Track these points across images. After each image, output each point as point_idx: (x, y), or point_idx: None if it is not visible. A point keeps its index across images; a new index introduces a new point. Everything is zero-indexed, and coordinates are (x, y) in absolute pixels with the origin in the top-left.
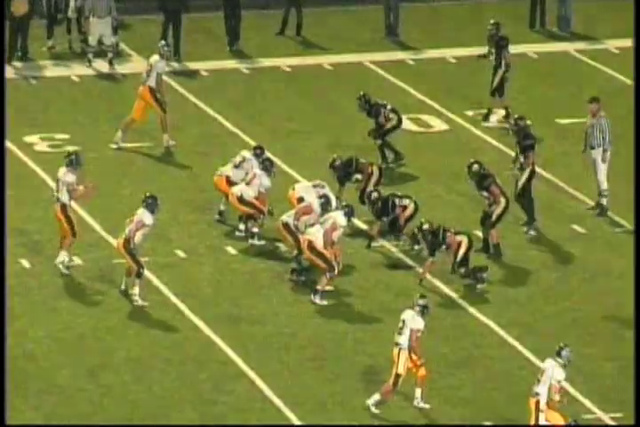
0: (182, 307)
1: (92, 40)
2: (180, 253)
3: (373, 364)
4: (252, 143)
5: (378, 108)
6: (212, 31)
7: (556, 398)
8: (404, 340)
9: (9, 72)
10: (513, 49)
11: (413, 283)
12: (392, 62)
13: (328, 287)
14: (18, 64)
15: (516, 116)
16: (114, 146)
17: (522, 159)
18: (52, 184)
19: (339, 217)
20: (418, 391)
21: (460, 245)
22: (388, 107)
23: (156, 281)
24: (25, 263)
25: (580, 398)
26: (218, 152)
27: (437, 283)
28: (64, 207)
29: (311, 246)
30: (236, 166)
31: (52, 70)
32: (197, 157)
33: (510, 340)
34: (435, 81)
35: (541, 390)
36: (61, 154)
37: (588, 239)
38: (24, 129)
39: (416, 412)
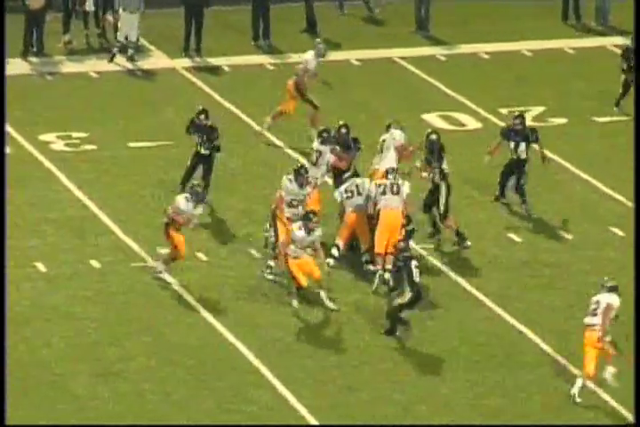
0: (203, 312)
1: (121, 35)
2: (202, 257)
3: (400, 371)
4: (277, 142)
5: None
6: (234, 25)
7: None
8: (598, 320)
9: (24, 68)
10: (547, 44)
11: (440, 285)
12: (422, 58)
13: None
14: (33, 60)
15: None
16: (264, 127)
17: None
18: (67, 183)
19: None
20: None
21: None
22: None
23: (175, 285)
24: (40, 267)
25: (616, 405)
26: (240, 151)
27: (469, 288)
28: (167, 226)
29: None
30: (314, 164)
31: (68, 66)
32: (220, 157)
33: (545, 347)
34: (467, 77)
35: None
36: (78, 153)
37: (627, 243)
38: (40, 127)
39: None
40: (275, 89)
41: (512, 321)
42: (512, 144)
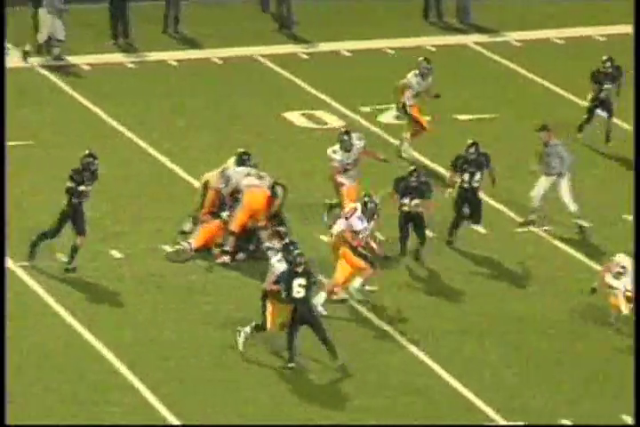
0: (63, 313)
1: (41, 36)
2: (62, 258)
3: (265, 371)
4: (139, 142)
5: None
6: (92, 24)
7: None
8: (619, 284)
9: None
10: (408, 42)
11: None
12: (284, 56)
13: None
14: None
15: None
16: (403, 155)
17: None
18: None
19: None
20: None
21: None
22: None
23: (35, 286)
24: None
25: (482, 406)
26: (100, 151)
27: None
28: (353, 250)
29: None
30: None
31: None
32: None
33: (407, 345)
34: (329, 75)
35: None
36: None
37: (489, 240)
38: None
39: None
40: (134, 87)
41: (377, 322)
42: (466, 175)
